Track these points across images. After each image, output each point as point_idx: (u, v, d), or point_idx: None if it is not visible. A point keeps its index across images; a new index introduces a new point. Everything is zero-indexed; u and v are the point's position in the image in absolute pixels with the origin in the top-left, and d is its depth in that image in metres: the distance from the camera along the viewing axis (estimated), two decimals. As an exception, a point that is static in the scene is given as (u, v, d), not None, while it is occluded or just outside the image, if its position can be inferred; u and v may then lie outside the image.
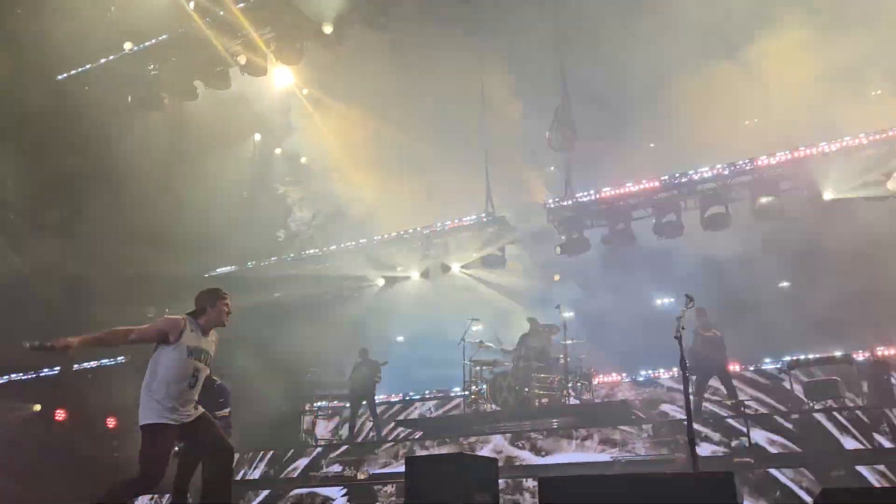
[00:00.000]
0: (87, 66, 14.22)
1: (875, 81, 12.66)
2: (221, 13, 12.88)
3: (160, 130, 14.79)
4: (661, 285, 14.87)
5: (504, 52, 14.45)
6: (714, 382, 11.39)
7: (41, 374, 16.50)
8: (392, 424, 14.39)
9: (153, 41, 13.73)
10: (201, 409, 5.38)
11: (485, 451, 9.95)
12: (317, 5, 12.84)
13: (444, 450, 10.27)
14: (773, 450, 8.58)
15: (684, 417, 6.96)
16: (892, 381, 10.76)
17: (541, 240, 14.92)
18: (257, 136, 18.40)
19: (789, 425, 8.74)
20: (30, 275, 13.93)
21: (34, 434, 14.91)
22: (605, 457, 9.25)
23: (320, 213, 17.95)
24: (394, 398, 15.88)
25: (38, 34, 12.96)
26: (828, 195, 12.21)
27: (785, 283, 14.46)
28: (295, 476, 11.33)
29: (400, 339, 17.34)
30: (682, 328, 6.02)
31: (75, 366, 16.34)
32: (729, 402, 11.10)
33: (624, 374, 13.99)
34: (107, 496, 5.06)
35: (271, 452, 11.91)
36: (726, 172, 12.87)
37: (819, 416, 8.68)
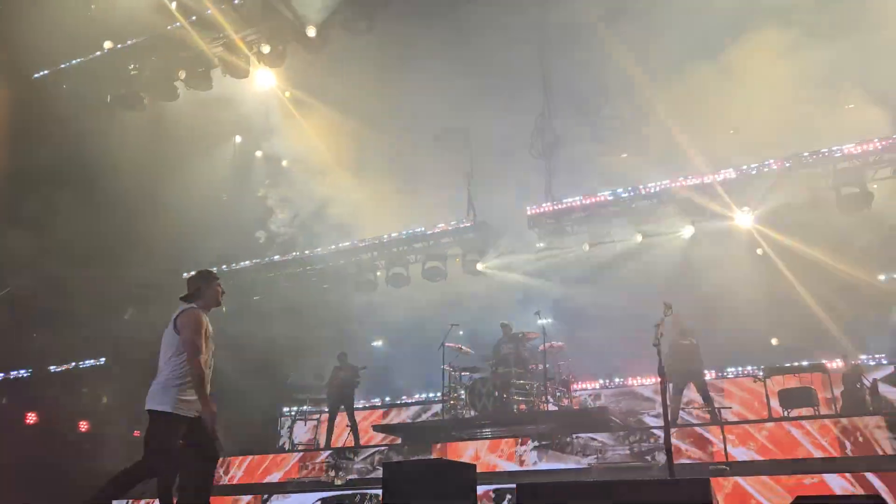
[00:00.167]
0: (65, 64, 14.05)
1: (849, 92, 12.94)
2: (204, 14, 12.80)
3: (139, 130, 14.64)
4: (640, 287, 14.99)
5: (487, 57, 14.51)
6: (690, 390, 11.48)
7: (11, 376, 16.21)
8: (370, 430, 14.32)
9: (134, 41, 13.60)
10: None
11: (463, 458, 9.94)
12: (300, 8, 12.81)
13: (423, 456, 10.23)
14: (747, 457, 8.67)
15: (661, 425, 7.00)
16: (865, 388, 10.94)
17: (521, 245, 14.99)
18: (238, 138, 18.27)
19: (764, 433, 8.83)
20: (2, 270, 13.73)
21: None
22: (582, 463, 9.29)
23: (300, 215, 17.87)
24: (373, 403, 15.82)
25: (15, 30, 12.78)
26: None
27: (760, 290, 14.64)
28: (272, 482, 11.23)
29: (377, 343, 17.28)
30: (661, 335, 6.07)
31: (51, 368, 16.07)
32: (705, 410, 11.19)
33: (601, 382, 14.06)
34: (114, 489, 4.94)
35: (249, 457, 11.80)
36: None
37: (793, 424, 8.79)
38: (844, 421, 8.58)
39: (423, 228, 15.52)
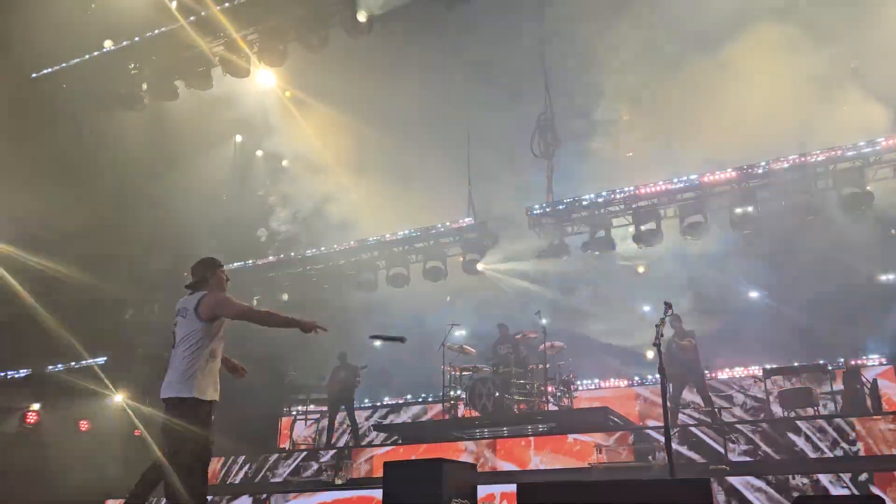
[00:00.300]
0: (65, 64, 14.04)
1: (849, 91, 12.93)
2: (204, 13, 12.79)
3: (139, 130, 14.63)
4: (639, 289, 15.00)
5: (488, 58, 14.51)
6: (689, 390, 11.48)
7: (8, 375, 16.20)
8: (371, 430, 14.32)
9: (134, 40, 13.59)
10: None
11: (463, 457, 9.93)
12: (301, 8, 12.80)
13: (423, 455, 10.23)
14: (748, 458, 8.67)
15: (661, 425, 7.00)
16: (865, 389, 10.93)
17: (521, 245, 14.98)
18: (238, 138, 18.26)
19: (764, 433, 8.83)
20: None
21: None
22: (582, 463, 9.28)
23: (300, 214, 17.86)
24: (373, 403, 15.80)
25: (15, 30, 12.77)
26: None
27: (759, 292, 14.65)
28: (272, 482, 11.22)
29: (378, 343, 17.24)
30: (662, 335, 6.07)
31: (51, 367, 16.07)
32: (705, 410, 11.19)
33: (602, 381, 14.08)
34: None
35: (248, 457, 11.79)
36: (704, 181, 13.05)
37: (793, 425, 8.78)
38: (844, 421, 8.58)
39: (423, 228, 15.50)
